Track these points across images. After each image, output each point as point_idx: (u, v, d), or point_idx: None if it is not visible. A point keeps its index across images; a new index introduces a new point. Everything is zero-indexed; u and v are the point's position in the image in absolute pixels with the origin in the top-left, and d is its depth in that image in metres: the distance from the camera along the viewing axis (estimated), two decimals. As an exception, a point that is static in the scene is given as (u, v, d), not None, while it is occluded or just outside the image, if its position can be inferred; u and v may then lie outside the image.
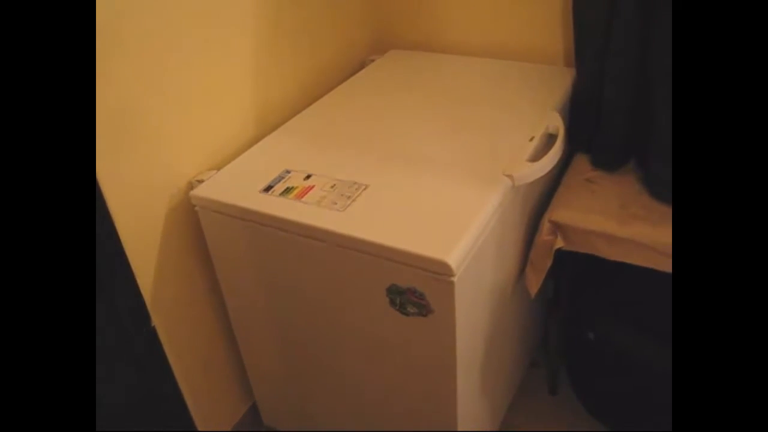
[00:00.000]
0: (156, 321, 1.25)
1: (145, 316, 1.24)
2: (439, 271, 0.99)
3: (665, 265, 1.20)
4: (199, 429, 1.43)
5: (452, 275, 0.98)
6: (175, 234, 1.27)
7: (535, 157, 1.22)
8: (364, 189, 1.14)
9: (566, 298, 1.48)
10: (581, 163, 1.42)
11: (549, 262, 1.29)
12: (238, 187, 1.19)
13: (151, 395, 1.30)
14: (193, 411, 1.40)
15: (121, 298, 1.18)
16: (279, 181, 1.19)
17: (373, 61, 1.69)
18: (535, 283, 1.31)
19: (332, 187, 1.16)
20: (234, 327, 1.42)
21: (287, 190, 1.16)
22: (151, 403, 1.30)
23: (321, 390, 1.39)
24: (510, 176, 1.15)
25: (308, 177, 1.20)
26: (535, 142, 1.25)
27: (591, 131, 1.40)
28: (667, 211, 1.24)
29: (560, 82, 1.48)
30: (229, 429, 1.58)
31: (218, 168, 1.28)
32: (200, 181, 1.24)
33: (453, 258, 0.98)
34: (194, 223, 1.29)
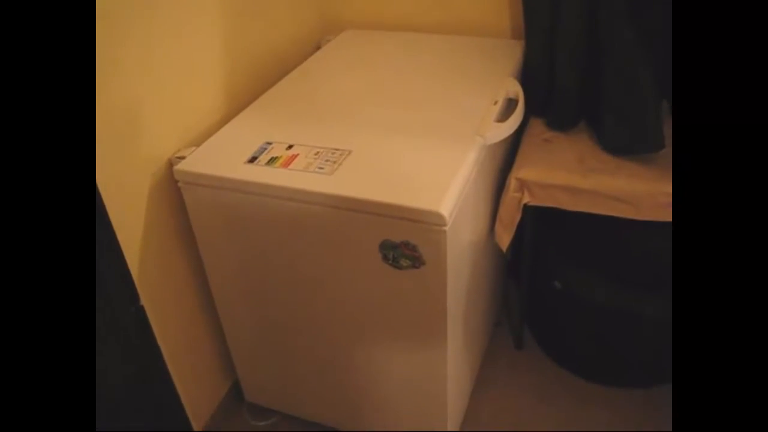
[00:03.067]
0: (142, 298, 1.26)
1: (133, 296, 1.25)
2: (433, 222, 1.05)
3: (624, 211, 1.31)
4: (185, 405, 1.44)
5: (445, 225, 1.05)
6: (157, 212, 1.28)
7: (500, 119, 1.30)
8: (348, 154, 1.20)
9: (529, 252, 1.58)
10: (537, 125, 1.52)
11: (518, 217, 1.38)
12: (222, 160, 1.22)
13: (139, 373, 1.30)
14: (179, 387, 1.42)
15: (110, 279, 1.19)
16: (262, 152, 1.23)
17: (329, 41, 1.74)
18: (506, 238, 1.40)
19: (316, 154, 1.21)
20: (217, 304, 1.43)
21: (272, 160, 1.20)
22: (139, 381, 1.30)
23: (307, 361, 1.43)
24: (482, 136, 1.23)
25: (290, 147, 1.24)
26: (499, 106, 1.33)
27: (544, 96, 1.51)
28: (620, 162, 1.36)
29: (511, 53, 1.58)
30: (214, 404, 1.59)
31: (196, 145, 1.29)
32: (181, 158, 1.26)
33: (445, 209, 1.05)
34: (176, 201, 1.31)
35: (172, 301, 1.38)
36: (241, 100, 1.47)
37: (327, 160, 1.18)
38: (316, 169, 1.16)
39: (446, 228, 1.06)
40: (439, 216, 1.04)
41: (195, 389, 1.51)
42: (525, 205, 1.38)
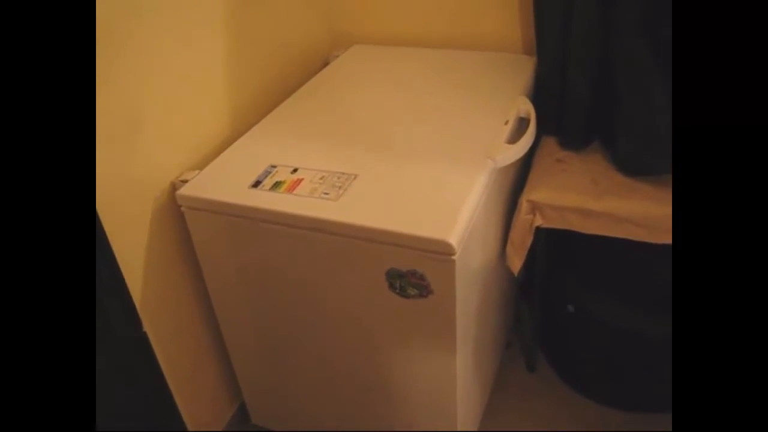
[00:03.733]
0: (145, 325, 1.24)
1: (135, 321, 1.23)
2: (441, 251, 1.02)
3: (638, 235, 1.27)
4: (190, 430, 1.42)
5: (453, 254, 1.02)
6: (160, 237, 1.26)
7: (511, 139, 1.27)
8: (354, 179, 1.17)
9: (541, 274, 1.54)
10: (549, 144, 1.49)
11: (530, 240, 1.34)
12: (225, 184, 1.19)
13: (142, 399, 1.28)
14: (184, 413, 1.39)
15: (111, 304, 1.17)
16: (266, 176, 1.20)
17: (337, 57, 1.71)
18: (517, 261, 1.37)
19: (321, 179, 1.18)
20: (222, 328, 1.41)
21: (276, 185, 1.17)
22: (143, 406, 1.28)
23: (314, 385, 1.40)
24: (493, 159, 1.19)
25: (295, 171, 1.21)
26: (510, 126, 1.30)
27: (556, 114, 1.47)
28: (635, 184, 1.32)
29: (522, 68, 1.55)
30: (219, 429, 1.56)
31: (199, 168, 1.27)
32: (184, 181, 1.23)
33: (454, 237, 1.01)
34: (179, 225, 1.28)
35: (176, 326, 1.36)
36: (246, 119, 1.45)
37: (332, 185, 1.15)
38: (322, 195, 1.13)
39: (455, 257, 1.02)
40: (448, 245, 1.01)
41: (200, 413, 1.49)
42: (537, 228, 1.34)
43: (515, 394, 1.67)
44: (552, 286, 1.55)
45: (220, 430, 1.57)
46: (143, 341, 1.25)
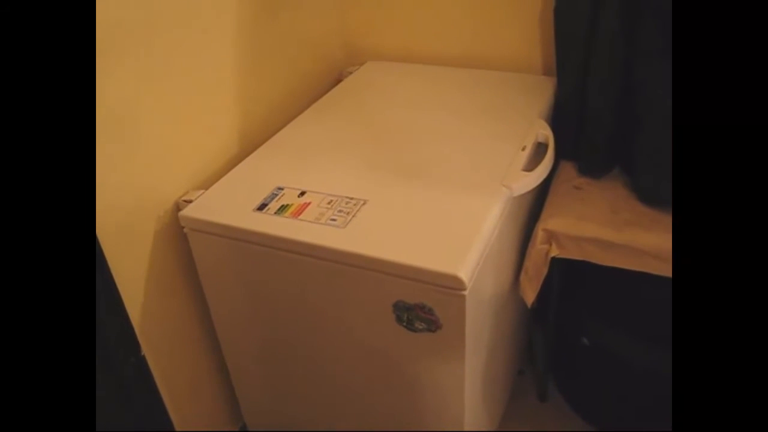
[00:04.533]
0: (144, 347, 1.20)
1: (134, 345, 1.19)
2: (451, 286, 0.97)
3: (659, 269, 1.22)
4: (189, 456, 1.38)
5: (464, 289, 0.97)
6: (162, 258, 1.22)
7: (529, 166, 1.22)
8: (363, 204, 1.12)
9: (555, 305, 1.49)
10: (567, 170, 1.43)
11: (545, 271, 1.29)
12: (229, 206, 1.15)
13: (140, 423, 1.24)
14: (183, 439, 1.36)
15: (110, 327, 1.13)
16: (272, 199, 1.16)
17: (351, 73, 1.67)
18: (531, 292, 1.31)
19: (329, 203, 1.13)
20: (223, 350, 1.37)
21: (282, 208, 1.13)
22: (140, 429, 1.25)
23: (318, 412, 1.36)
24: (508, 187, 1.14)
25: (302, 194, 1.17)
26: (527, 152, 1.25)
27: (575, 139, 1.42)
28: (657, 215, 1.26)
29: (542, 90, 1.50)
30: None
31: (205, 188, 1.23)
32: (188, 201, 1.19)
33: (464, 272, 0.96)
34: (182, 245, 1.24)
35: (176, 350, 1.32)
36: (255, 137, 1.41)
37: (340, 211, 1.11)
38: (329, 221, 1.09)
39: (465, 292, 0.98)
40: (458, 280, 0.96)
41: (199, 437, 1.45)
42: (553, 257, 1.29)
43: (526, 423, 1.62)
44: (566, 317, 1.49)
45: (220, 454, 1.53)
46: (142, 364, 1.22)
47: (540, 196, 1.41)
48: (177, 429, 1.34)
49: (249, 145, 1.38)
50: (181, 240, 1.23)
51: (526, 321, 1.70)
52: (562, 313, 1.49)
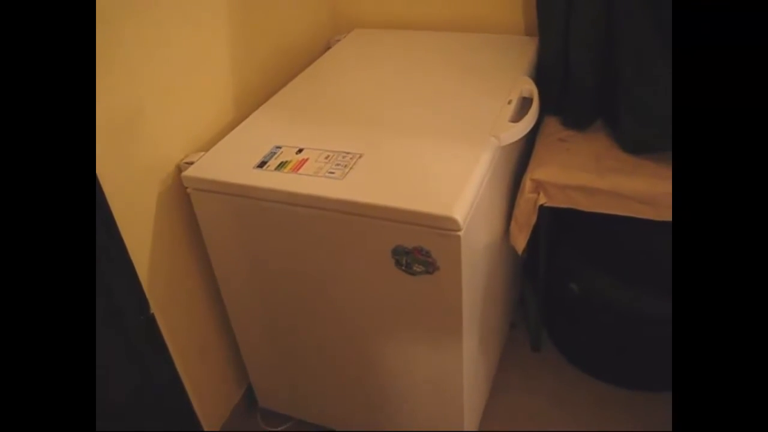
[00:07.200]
0: (152, 307, 1.25)
1: (143, 304, 1.23)
2: (447, 227, 1.03)
3: (642, 212, 1.28)
4: (198, 412, 1.43)
5: (459, 230, 1.03)
6: (167, 219, 1.27)
7: (515, 118, 1.27)
8: (359, 158, 1.17)
9: (545, 255, 1.55)
10: (551, 124, 1.49)
11: (534, 219, 1.35)
12: (230, 165, 1.20)
13: (150, 382, 1.29)
14: (192, 395, 1.41)
15: (119, 287, 1.17)
16: (271, 157, 1.21)
17: (338, 41, 1.71)
18: (521, 240, 1.37)
19: (326, 158, 1.18)
20: (228, 309, 1.42)
21: (282, 165, 1.18)
22: (151, 390, 1.29)
23: (320, 365, 1.41)
24: (496, 137, 1.20)
25: (300, 151, 1.21)
26: (513, 105, 1.30)
27: (559, 94, 1.47)
28: (638, 162, 1.32)
29: (525, 49, 1.55)
30: (227, 411, 1.58)
31: (204, 150, 1.27)
32: (189, 163, 1.24)
33: (459, 213, 1.02)
34: (186, 207, 1.29)
35: (183, 309, 1.37)
36: (250, 102, 1.45)
37: (337, 164, 1.16)
38: (327, 174, 1.14)
39: (460, 233, 1.03)
40: (453, 221, 1.02)
41: (207, 396, 1.50)
42: (541, 206, 1.35)
43: (520, 373, 1.68)
44: (555, 266, 1.56)
45: (228, 412, 1.58)
46: (151, 323, 1.26)
47: (526, 151, 1.46)
48: (186, 387, 1.39)
49: (245, 110, 1.42)
50: (184, 201, 1.28)
51: (517, 275, 1.76)
52: (551, 262, 1.55)
